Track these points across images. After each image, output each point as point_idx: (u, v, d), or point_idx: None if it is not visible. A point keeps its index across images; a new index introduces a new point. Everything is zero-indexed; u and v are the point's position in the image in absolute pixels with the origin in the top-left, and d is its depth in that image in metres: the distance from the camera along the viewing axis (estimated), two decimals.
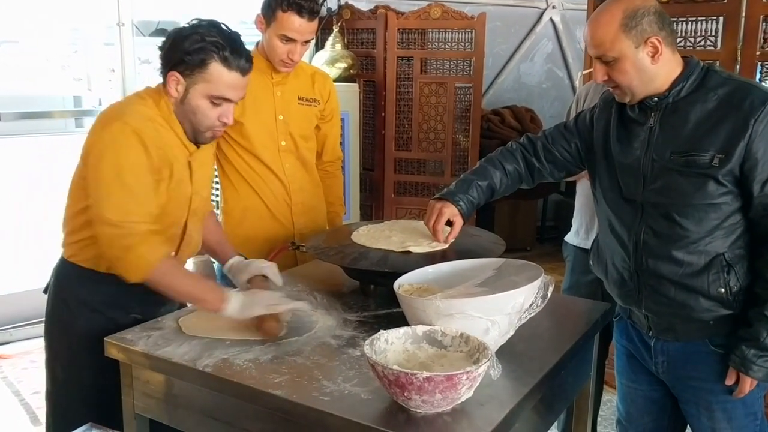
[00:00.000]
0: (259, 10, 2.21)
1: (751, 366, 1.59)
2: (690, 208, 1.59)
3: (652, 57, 1.58)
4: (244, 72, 1.68)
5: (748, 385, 1.62)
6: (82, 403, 1.79)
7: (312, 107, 2.36)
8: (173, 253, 1.79)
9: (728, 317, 1.63)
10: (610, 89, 1.69)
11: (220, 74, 1.65)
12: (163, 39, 1.70)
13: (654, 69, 1.59)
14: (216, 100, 1.67)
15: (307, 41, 2.20)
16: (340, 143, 4.00)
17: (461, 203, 1.84)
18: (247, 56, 1.69)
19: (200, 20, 1.69)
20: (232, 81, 1.66)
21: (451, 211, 1.83)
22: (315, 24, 2.19)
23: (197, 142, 1.76)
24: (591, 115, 1.85)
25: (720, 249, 1.60)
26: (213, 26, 1.67)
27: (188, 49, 1.63)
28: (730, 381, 1.64)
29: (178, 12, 4.01)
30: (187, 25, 1.68)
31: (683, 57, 1.65)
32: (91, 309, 1.76)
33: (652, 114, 1.65)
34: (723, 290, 1.61)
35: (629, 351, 1.87)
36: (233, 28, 1.73)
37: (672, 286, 1.65)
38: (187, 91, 1.67)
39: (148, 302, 1.76)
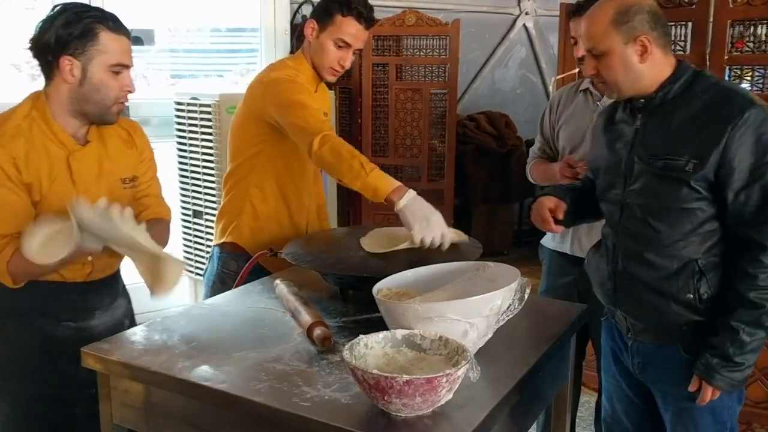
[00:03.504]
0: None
1: (713, 375, 1.59)
2: (664, 211, 1.61)
3: (641, 56, 1.59)
4: (129, 37, 1.71)
5: (709, 393, 1.61)
6: (21, 417, 1.78)
7: (328, 121, 2.40)
8: (89, 257, 1.75)
9: (700, 324, 1.63)
10: (600, 84, 1.71)
11: (111, 42, 1.66)
12: (30, 38, 1.67)
13: (641, 68, 1.60)
14: (116, 68, 1.67)
15: (357, 50, 2.23)
16: None
17: (556, 191, 1.88)
18: (125, 25, 1.71)
19: (62, 5, 1.67)
20: (124, 46, 1.68)
21: (549, 200, 1.86)
22: (368, 34, 2.23)
23: (103, 123, 1.75)
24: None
25: (694, 255, 1.60)
26: (79, 5, 1.68)
27: (71, 30, 1.62)
28: (692, 387, 1.64)
29: (152, 19, 3.99)
30: (47, 16, 1.66)
31: (677, 60, 1.66)
32: (18, 316, 1.74)
33: (639, 115, 1.66)
34: (691, 296, 1.61)
35: (614, 350, 1.88)
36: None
37: (645, 289, 1.66)
38: (85, 70, 1.65)
39: (79, 309, 1.76)
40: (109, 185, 1.80)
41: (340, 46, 2.19)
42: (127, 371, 1.50)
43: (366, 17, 2.18)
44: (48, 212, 1.67)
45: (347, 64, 2.24)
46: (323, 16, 2.20)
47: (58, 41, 1.62)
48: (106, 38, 1.65)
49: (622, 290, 1.71)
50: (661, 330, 1.69)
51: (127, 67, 1.70)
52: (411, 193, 1.83)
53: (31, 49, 1.67)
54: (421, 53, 4.33)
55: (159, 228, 1.89)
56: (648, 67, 1.60)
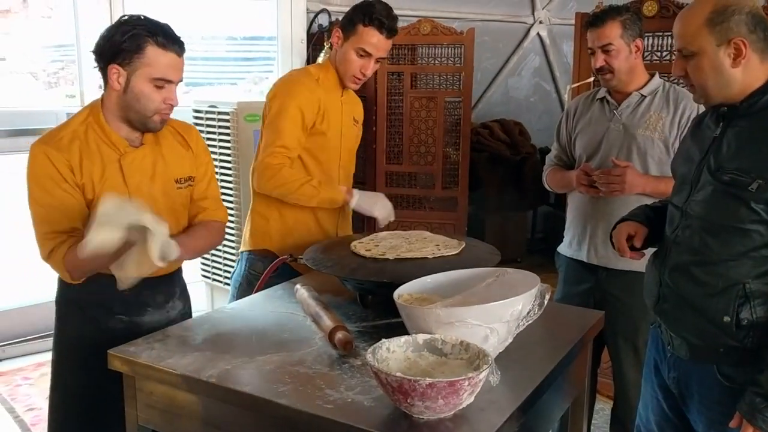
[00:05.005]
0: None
1: (756, 416, 1.47)
2: (718, 228, 1.54)
3: (734, 60, 1.49)
4: (179, 53, 1.76)
5: None
6: (68, 406, 1.88)
7: (358, 128, 2.50)
8: None
9: (737, 349, 1.54)
10: (687, 88, 1.62)
11: (157, 56, 1.72)
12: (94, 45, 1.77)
13: (732, 73, 1.50)
14: (158, 83, 1.73)
15: (379, 59, 2.29)
16: None
17: (637, 216, 1.83)
18: (180, 41, 1.77)
19: (125, 17, 1.75)
20: (170, 61, 1.74)
21: (629, 226, 1.81)
22: (390, 43, 2.29)
23: (147, 130, 1.81)
24: None
25: (743, 277, 1.51)
26: (140, 17, 1.75)
27: (122, 39, 1.70)
28: (734, 423, 1.53)
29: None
30: (110, 25, 1.75)
31: None
32: (77, 306, 1.84)
33: (720, 124, 1.58)
34: (728, 319, 1.52)
35: (656, 360, 1.83)
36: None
37: (685, 304, 1.60)
38: (129, 80, 1.73)
39: (131, 303, 1.85)
40: (163, 185, 1.87)
41: (361, 55, 2.25)
42: (152, 373, 1.54)
43: (388, 27, 2.23)
44: None
45: (369, 73, 2.29)
46: (347, 25, 2.26)
47: (111, 50, 1.71)
48: (153, 52, 1.71)
49: (664, 300, 1.66)
50: (697, 348, 1.62)
51: (171, 82, 1.76)
52: (357, 192, 2.29)
53: (93, 53, 1.76)
54: (436, 62, 4.35)
55: (213, 228, 1.97)
56: (740, 72, 1.50)
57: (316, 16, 4.44)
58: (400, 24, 4.67)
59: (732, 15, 1.48)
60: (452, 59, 4.31)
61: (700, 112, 1.91)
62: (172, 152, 1.90)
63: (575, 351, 1.70)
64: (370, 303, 1.88)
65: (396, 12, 2.28)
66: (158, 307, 1.90)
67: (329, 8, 4.46)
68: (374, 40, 2.23)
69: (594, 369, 2.58)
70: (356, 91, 4.66)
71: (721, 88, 1.54)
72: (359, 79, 2.31)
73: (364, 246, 1.98)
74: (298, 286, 1.92)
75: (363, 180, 4.54)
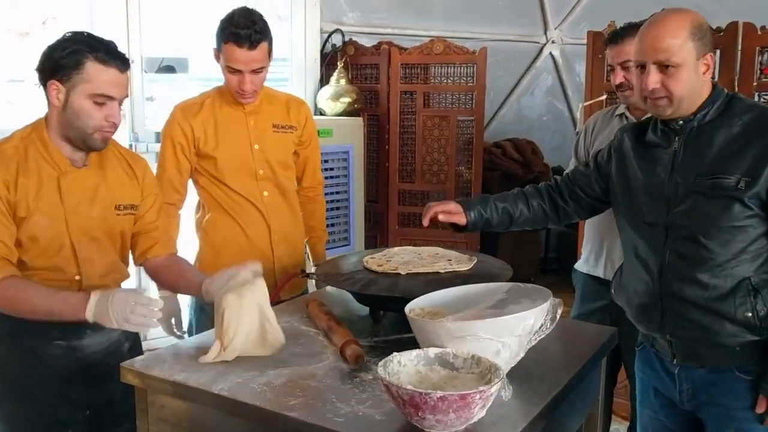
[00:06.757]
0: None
1: None
2: (715, 230, 1.60)
3: (704, 73, 1.61)
4: (122, 69, 1.72)
5: None
6: None
7: (288, 134, 2.38)
8: (77, 277, 1.77)
9: (755, 343, 1.61)
10: (651, 100, 1.65)
11: (98, 72, 1.68)
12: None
13: (700, 85, 1.61)
14: (99, 99, 1.69)
15: (257, 70, 2.19)
16: (345, 175, 4.07)
17: (471, 211, 1.94)
18: (123, 57, 1.73)
19: (70, 33, 1.72)
20: (111, 78, 1.70)
21: (456, 209, 1.95)
22: (260, 52, 2.16)
23: (89, 149, 1.77)
24: (609, 149, 1.88)
25: (746, 273, 1.60)
26: (82, 33, 1.72)
27: (62, 55, 1.67)
28: (760, 409, 1.61)
29: (184, 49, 4.09)
30: (53, 42, 1.72)
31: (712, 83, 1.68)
32: (9, 336, 1.75)
33: (676, 138, 1.67)
34: (750, 314, 1.59)
35: (652, 380, 1.84)
36: None
37: (697, 310, 1.63)
38: (68, 95, 1.69)
39: (68, 327, 1.73)
40: (103, 209, 1.83)
41: (231, 72, 2.18)
42: (165, 387, 1.54)
43: (247, 38, 2.12)
44: (32, 230, 1.70)
45: (248, 87, 2.20)
46: (216, 45, 2.21)
47: (50, 66, 1.69)
48: (93, 68, 1.68)
49: (670, 314, 1.68)
50: (713, 353, 1.66)
51: (113, 98, 1.72)
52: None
53: (36, 70, 1.73)
54: (449, 81, 4.38)
55: (184, 262, 1.99)
56: (702, 85, 1.62)
57: (329, 36, 4.48)
58: (414, 44, 4.72)
59: (707, 32, 1.61)
60: (465, 78, 4.33)
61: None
62: (115, 178, 1.87)
63: (589, 367, 1.69)
64: (382, 318, 1.88)
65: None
66: (98, 329, 1.74)
67: (343, 28, 4.50)
68: (237, 56, 2.13)
69: (610, 389, 2.55)
70: (369, 111, 4.68)
71: (694, 100, 1.63)
72: (242, 94, 2.22)
73: (376, 261, 1.98)
74: (309, 300, 1.92)
75: (375, 198, 4.56)
